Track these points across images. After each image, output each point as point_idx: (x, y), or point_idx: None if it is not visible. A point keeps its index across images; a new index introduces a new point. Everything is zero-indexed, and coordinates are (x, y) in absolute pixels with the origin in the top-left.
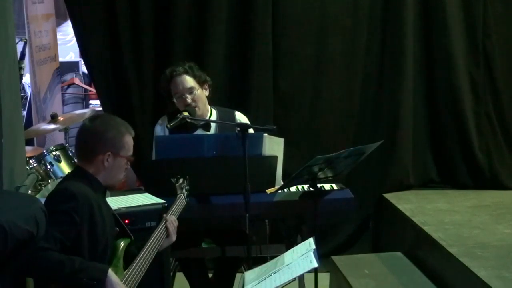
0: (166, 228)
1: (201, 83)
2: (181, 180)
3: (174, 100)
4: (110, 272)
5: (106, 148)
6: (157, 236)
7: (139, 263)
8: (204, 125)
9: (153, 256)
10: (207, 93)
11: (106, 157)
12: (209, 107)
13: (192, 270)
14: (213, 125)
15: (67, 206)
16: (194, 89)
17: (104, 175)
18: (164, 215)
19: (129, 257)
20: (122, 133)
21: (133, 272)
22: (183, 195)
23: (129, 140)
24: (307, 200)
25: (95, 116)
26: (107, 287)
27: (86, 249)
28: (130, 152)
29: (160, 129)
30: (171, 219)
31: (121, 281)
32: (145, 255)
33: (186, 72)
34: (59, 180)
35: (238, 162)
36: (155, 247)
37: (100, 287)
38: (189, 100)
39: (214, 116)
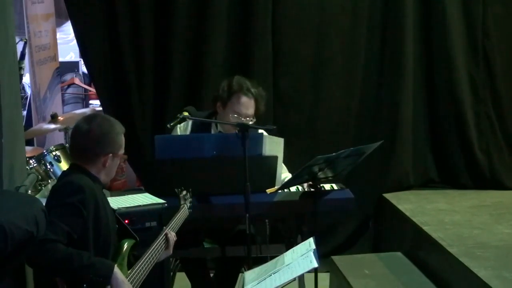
0: (167, 240)
1: (255, 113)
2: (184, 192)
3: (230, 115)
4: (116, 269)
5: (107, 150)
6: (157, 246)
7: (138, 270)
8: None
9: (152, 265)
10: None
11: (107, 158)
12: None
13: (193, 270)
14: None
15: (75, 198)
16: (251, 117)
17: (104, 174)
18: (165, 227)
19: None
20: (118, 133)
21: (132, 277)
22: (186, 206)
23: (122, 139)
24: (307, 200)
25: (89, 118)
26: (112, 284)
27: (91, 242)
28: (123, 150)
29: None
30: (172, 233)
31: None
32: (144, 263)
33: (256, 100)
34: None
35: (238, 162)
36: (155, 256)
37: (106, 283)
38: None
39: None
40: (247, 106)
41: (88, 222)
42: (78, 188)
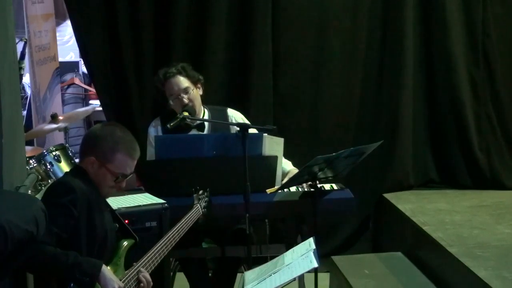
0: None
1: (195, 82)
2: (200, 192)
3: (170, 102)
4: (104, 267)
5: (94, 153)
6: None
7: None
8: (198, 125)
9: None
10: (201, 92)
11: (91, 161)
12: (202, 107)
13: (192, 269)
14: (206, 125)
15: (65, 199)
16: (190, 89)
17: (93, 180)
18: (135, 263)
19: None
20: (118, 148)
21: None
22: (200, 206)
23: (123, 159)
24: (307, 200)
25: (112, 123)
26: (100, 283)
27: (83, 243)
28: (122, 171)
29: (154, 131)
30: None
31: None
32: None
33: (180, 73)
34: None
35: (238, 162)
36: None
37: (93, 282)
38: (186, 100)
39: (206, 116)
40: (176, 83)
41: (80, 222)
42: (69, 189)
